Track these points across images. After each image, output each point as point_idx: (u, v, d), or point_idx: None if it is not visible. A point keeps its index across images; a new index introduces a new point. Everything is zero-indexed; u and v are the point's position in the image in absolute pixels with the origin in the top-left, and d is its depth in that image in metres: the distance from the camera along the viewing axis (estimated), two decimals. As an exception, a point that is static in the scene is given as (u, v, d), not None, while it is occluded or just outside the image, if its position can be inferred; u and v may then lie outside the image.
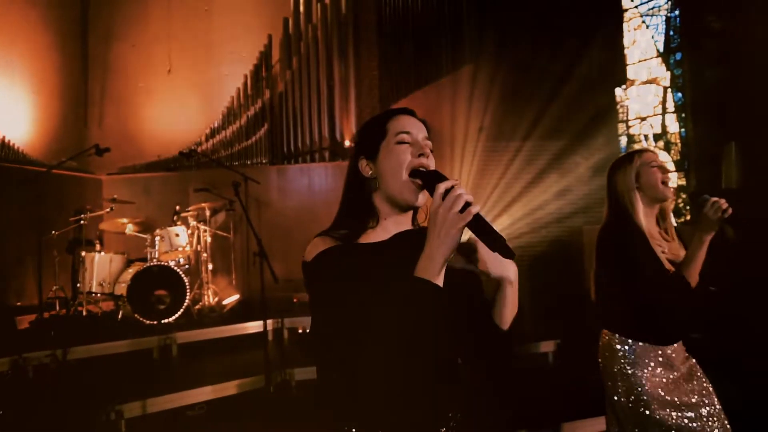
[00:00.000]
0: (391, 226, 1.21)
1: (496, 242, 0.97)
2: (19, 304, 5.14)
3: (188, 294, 4.87)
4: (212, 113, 7.32)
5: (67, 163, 5.44)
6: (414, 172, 1.15)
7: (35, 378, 3.83)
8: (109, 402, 3.29)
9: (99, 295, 4.95)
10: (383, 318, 1.00)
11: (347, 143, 6.90)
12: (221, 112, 7.26)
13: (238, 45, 7.29)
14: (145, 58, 7.37)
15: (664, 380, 1.89)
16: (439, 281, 1.00)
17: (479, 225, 0.98)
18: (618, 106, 6.84)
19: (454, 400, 1.19)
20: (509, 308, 1.16)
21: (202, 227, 5.42)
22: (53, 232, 4.97)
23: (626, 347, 1.92)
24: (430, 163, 1.16)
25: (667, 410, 1.86)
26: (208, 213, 5.52)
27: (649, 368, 1.88)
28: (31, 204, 5.18)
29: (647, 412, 1.86)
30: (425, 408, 1.14)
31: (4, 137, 5.56)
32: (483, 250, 1.06)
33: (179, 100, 7.34)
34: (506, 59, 5.70)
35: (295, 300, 5.46)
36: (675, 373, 1.91)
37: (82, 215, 5.05)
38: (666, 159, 6.33)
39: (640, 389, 1.87)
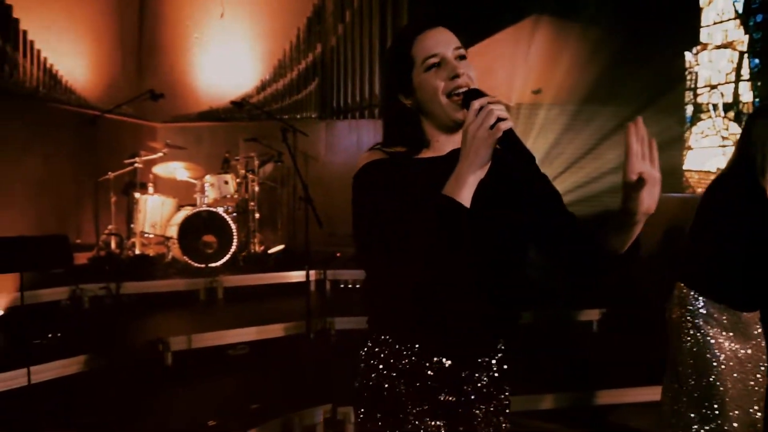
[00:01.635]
0: (446, 146, 1.17)
1: (527, 162, 0.95)
2: (78, 241, 5.37)
3: (235, 240, 4.97)
4: (264, 66, 7.32)
5: (123, 109, 5.57)
6: (451, 95, 1.10)
7: (91, 308, 4.05)
8: (157, 334, 3.44)
9: (151, 236, 5.13)
10: (416, 233, 0.98)
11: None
12: (273, 65, 7.25)
13: (291, -3, 7.21)
14: (198, 9, 7.40)
15: (733, 344, 1.79)
16: (465, 199, 0.97)
17: (510, 142, 0.95)
18: (686, 72, 6.42)
19: (504, 328, 1.15)
20: (635, 237, 1.04)
21: (250, 176, 5.48)
22: (110, 173, 5.15)
23: (701, 304, 1.83)
24: (468, 79, 1.09)
25: (732, 373, 1.77)
26: (256, 163, 5.57)
27: (719, 329, 1.79)
28: (88, 146, 5.34)
29: (711, 372, 1.77)
30: (466, 331, 1.10)
31: (67, 81, 5.74)
32: (646, 191, 0.95)
33: (232, 52, 7.36)
34: (569, 13, 5.41)
35: (338, 255, 5.50)
36: (743, 338, 1.81)
37: (137, 158, 5.21)
38: (735, 132, 5.92)
39: (706, 347, 1.79)
